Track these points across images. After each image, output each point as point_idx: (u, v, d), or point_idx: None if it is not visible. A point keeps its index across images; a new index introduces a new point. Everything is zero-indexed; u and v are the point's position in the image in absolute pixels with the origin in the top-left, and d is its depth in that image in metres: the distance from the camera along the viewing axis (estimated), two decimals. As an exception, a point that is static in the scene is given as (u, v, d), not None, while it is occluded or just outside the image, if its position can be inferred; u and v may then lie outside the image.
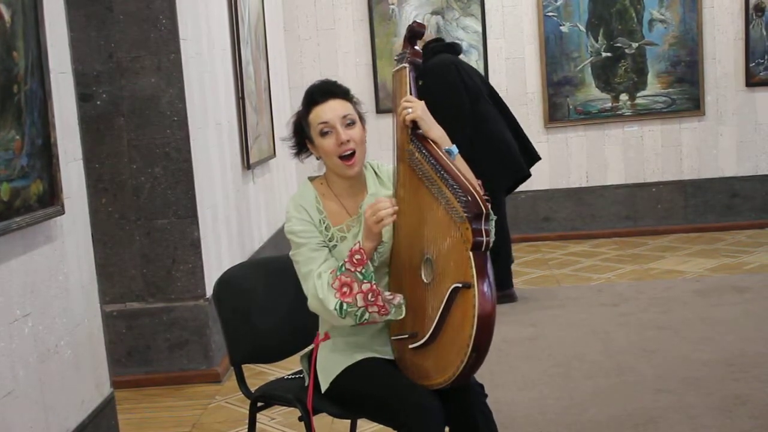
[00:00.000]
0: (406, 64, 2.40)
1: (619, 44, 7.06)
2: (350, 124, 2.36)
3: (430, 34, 5.41)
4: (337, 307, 2.25)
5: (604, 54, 7.08)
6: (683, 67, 7.07)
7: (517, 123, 5.35)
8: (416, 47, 2.44)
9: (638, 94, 7.11)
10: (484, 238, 2.05)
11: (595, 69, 7.10)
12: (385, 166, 2.50)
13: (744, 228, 7.11)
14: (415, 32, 2.42)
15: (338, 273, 2.27)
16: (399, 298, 2.27)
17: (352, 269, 2.25)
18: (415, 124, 2.29)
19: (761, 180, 7.16)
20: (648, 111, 7.13)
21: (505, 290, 5.21)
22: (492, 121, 5.15)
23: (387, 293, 2.27)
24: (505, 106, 5.35)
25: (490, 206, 2.10)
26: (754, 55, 7.03)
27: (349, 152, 2.34)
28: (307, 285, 2.34)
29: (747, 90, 7.09)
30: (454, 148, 2.28)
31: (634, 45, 7.06)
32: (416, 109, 2.29)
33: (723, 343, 4.22)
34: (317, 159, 2.45)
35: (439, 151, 2.24)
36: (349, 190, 2.43)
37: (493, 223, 2.12)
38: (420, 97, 2.35)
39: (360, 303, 2.24)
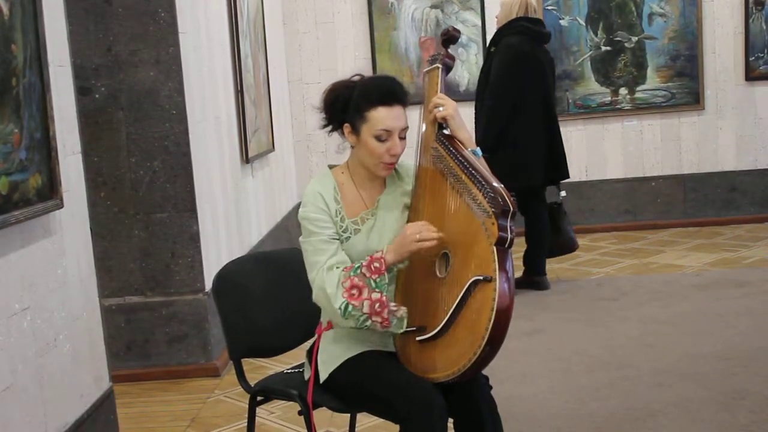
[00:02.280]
0: (440, 65, 2.46)
1: (618, 38, 7.05)
2: (403, 138, 2.36)
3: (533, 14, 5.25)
4: (343, 306, 2.26)
5: (603, 48, 7.07)
6: (683, 61, 7.05)
7: (560, 138, 5.32)
8: (449, 50, 2.52)
9: (638, 88, 7.10)
10: (509, 235, 2.10)
11: (594, 63, 7.09)
12: (405, 162, 2.50)
13: (743, 222, 7.11)
14: (450, 36, 2.52)
15: (351, 274, 2.27)
16: (402, 311, 2.29)
17: (368, 275, 2.26)
18: (443, 123, 2.34)
19: (761, 174, 7.16)
20: (647, 105, 7.12)
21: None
22: (519, 131, 5.11)
23: (392, 304, 2.28)
24: (555, 117, 5.33)
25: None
26: (753, 49, 7.02)
27: (392, 161, 2.36)
28: (313, 274, 2.34)
29: (746, 84, 7.09)
30: (479, 151, 2.32)
31: (634, 39, 7.04)
32: (448, 107, 2.34)
33: (722, 337, 4.22)
34: (345, 141, 2.41)
35: (465, 150, 2.28)
36: (369, 182, 2.44)
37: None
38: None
39: (365, 309, 2.25)
